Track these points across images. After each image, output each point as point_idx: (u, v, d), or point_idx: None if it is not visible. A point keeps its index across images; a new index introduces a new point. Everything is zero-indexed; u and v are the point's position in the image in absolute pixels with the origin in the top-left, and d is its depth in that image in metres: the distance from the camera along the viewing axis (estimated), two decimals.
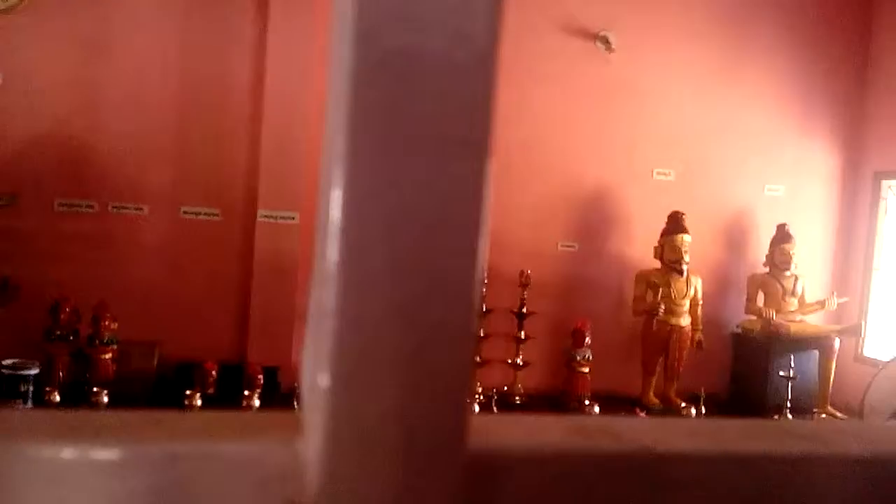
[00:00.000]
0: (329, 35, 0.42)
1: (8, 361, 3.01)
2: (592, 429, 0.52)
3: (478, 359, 3.80)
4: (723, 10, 4.23)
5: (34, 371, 3.03)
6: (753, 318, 4.14)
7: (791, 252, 4.08)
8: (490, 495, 0.46)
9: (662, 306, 3.88)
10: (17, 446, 0.42)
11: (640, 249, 4.07)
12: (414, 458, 0.42)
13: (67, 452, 0.42)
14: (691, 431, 0.54)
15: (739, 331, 4.23)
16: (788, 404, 3.63)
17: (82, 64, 3.52)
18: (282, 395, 3.37)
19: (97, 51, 3.53)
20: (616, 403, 3.73)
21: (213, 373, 3.29)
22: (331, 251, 0.40)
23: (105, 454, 0.42)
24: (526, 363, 3.88)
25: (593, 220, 4.13)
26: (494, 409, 3.52)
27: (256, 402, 3.18)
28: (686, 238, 3.92)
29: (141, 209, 3.59)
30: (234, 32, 3.65)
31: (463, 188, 0.40)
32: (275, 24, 3.60)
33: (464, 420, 0.42)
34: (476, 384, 3.74)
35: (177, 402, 3.11)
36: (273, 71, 3.60)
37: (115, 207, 3.57)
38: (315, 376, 0.41)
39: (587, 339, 3.80)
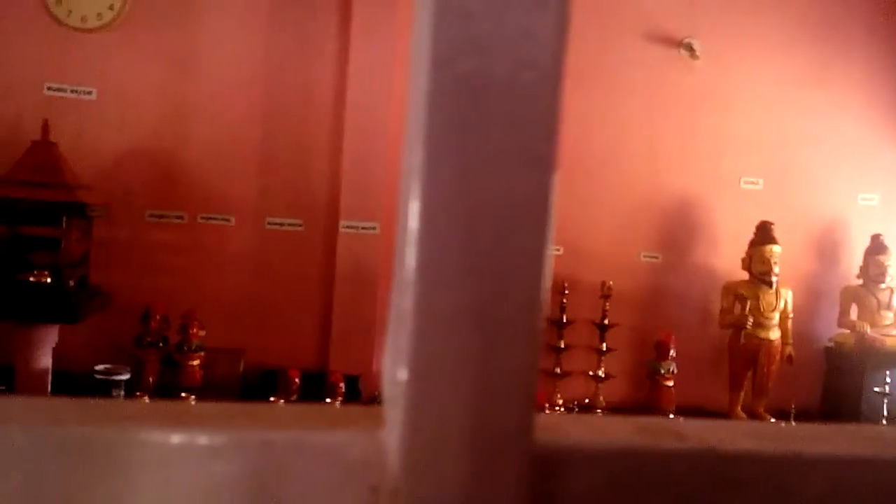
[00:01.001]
0: (408, 60, 0.47)
1: (100, 367, 3.12)
2: (656, 428, 0.54)
3: (558, 370, 3.76)
4: (812, 14, 4.11)
5: (125, 376, 3.13)
6: (847, 331, 3.99)
7: (886, 263, 3.93)
8: (555, 488, 0.48)
9: (751, 319, 3.77)
10: (131, 432, 0.48)
11: (727, 260, 3.97)
12: (484, 448, 0.45)
13: (175, 438, 0.47)
14: (755, 432, 0.55)
15: (832, 345, 4.08)
16: (884, 421, 3.49)
17: (172, 78, 3.63)
18: (363, 402, 3.40)
19: (186, 66, 3.64)
20: (702, 418, 3.63)
21: (297, 380, 3.33)
22: (409, 258, 0.44)
23: (207, 440, 0.48)
24: (608, 375, 3.82)
25: (677, 230, 4.05)
26: None
27: None
28: (775, 249, 3.81)
29: (228, 220, 3.67)
30: (316, 48, 3.71)
31: (530, 199, 0.44)
32: (357, 39, 3.65)
33: (530, 414, 0.45)
34: (557, 395, 3.70)
35: None
36: (354, 84, 3.65)
37: (204, 218, 3.66)
38: (395, 371, 0.45)
39: (671, 352, 3.71)
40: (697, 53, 3.99)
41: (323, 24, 3.71)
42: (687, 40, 4.00)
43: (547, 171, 0.44)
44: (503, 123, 0.43)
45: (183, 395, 3.18)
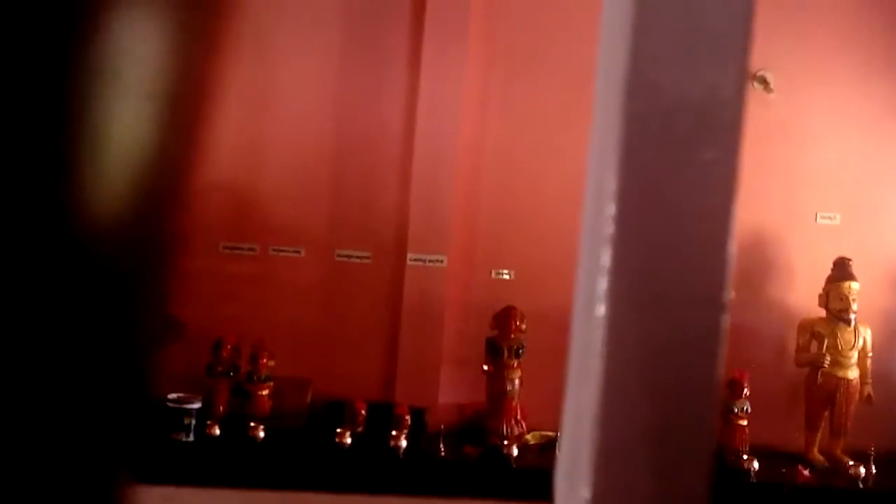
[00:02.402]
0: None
1: (173, 395, 3.17)
2: None
3: None
4: (890, 45, 4.01)
5: (197, 405, 3.18)
6: None
7: None
8: None
9: (828, 357, 3.66)
10: None
11: (803, 297, 3.87)
12: None
13: None
14: None
15: None
16: None
17: (246, 114, 3.71)
18: (428, 435, 3.39)
19: (259, 101, 3.72)
20: (776, 459, 3.54)
21: (363, 412, 3.34)
22: (591, 386, 0.46)
23: None
24: None
25: (751, 266, 3.96)
26: None
27: (403, 443, 3.21)
28: (854, 285, 3.69)
29: (298, 252, 3.73)
30: (386, 82, 3.76)
31: (716, 204, 0.46)
32: (426, 75, 3.69)
33: None
34: None
35: (328, 439, 3.19)
36: (423, 118, 3.68)
37: (275, 250, 3.72)
38: (574, 488, 0.48)
39: (745, 391, 3.62)
40: (771, 86, 3.93)
41: (393, 59, 3.76)
42: (760, 73, 3.94)
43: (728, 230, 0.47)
44: (691, 163, 0.45)
45: (252, 424, 3.21)
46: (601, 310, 0.45)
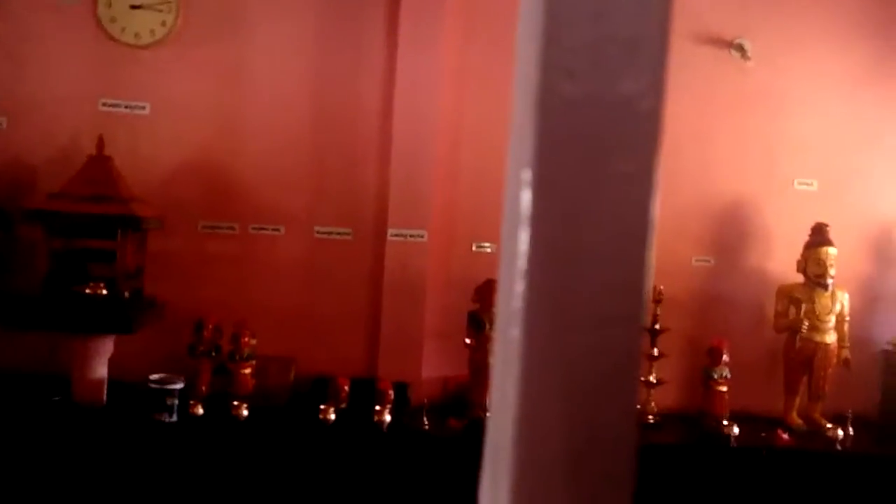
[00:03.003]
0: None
1: (155, 376, 3.18)
2: None
3: None
4: (866, 12, 4.01)
5: (179, 385, 3.18)
6: None
7: None
8: None
9: (806, 322, 3.70)
10: None
11: (781, 263, 3.90)
12: None
13: None
14: None
15: (890, 348, 3.97)
16: None
17: (223, 93, 3.69)
18: (412, 410, 3.41)
19: (237, 80, 3.70)
20: (756, 423, 3.58)
21: (346, 388, 3.36)
22: (510, 363, 0.45)
23: None
24: (660, 381, 3.77)
25: (730, 233, 3.99)
26: None
27: (387, 417, 3.24)
28: (831, 251, 3.73)
29: (278, 230, 3.72)
30: (364, 60, 3.74)
31: (632, 222, 0.46)
32: (404, 51, 3.67)
33: None
34: None
35: (312, 416, 3.21)
36: (402, 95, 3.67)
37: (255, 228, 3.71)
38: None
39: (725, 357, 3.65)
40: (749, 54, 3.93)
41: (370, 37, 3.74)
42: (738, 41, 3.94)
43: (650, 187, 0.45)
44: (608, 146, 0.44)
45: (235, 403, 3.22)
46: (516, 332, 0.44)
